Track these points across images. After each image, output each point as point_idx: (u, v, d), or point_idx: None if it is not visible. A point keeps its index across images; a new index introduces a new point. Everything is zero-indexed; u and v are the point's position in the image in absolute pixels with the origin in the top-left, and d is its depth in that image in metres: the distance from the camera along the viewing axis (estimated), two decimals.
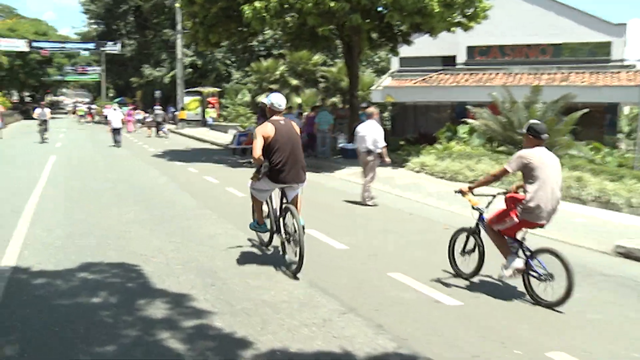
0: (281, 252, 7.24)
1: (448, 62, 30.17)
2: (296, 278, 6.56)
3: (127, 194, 12.57)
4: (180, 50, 43.17)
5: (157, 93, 51.37)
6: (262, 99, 38.53)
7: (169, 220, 9.68)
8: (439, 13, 17.53)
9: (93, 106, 59.63)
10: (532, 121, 6.47)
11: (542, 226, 6.16)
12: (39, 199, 11.50)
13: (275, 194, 7.49)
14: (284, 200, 7.29)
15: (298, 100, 35.91)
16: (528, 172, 5.99)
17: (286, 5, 18.22)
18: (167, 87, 51.84)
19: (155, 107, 39.36)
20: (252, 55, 47.13)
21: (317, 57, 40.08)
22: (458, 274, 6.82)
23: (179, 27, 40.29)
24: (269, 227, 7.52)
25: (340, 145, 21.18)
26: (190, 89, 47.44)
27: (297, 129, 7.43)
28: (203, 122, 44.59)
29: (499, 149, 18.27)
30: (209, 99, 45.91)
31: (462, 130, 21.26)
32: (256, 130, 7.24)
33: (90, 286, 6.12)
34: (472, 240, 6.70)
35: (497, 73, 27.40)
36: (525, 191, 6.06)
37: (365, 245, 8.33)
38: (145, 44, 57.64)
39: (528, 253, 6.13)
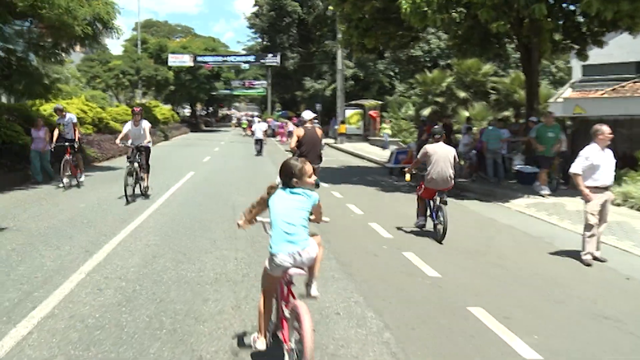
0: None
1: None
2: None
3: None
4: (340, 61, 41.12)
5: (318, 106, 49.94)
6: (426, 112, 36.16)
7: None
8: None
9: (255, 119, 59.79)
10: (434, 127, 11.39)
11: (441, 191, 9.57)
12: (126, 236, 9.13)
13: None
14: None
15: (466, 113, 32.23)
16: (427, 159, 9.73)
17: None
18: (329, 100, 50.14)
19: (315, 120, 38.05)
20: (417, 66, 43.91)
21: (488, 67, 36.20)
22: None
23: (339, 36, 38.20)
24: None
25: (517, 167, 17.42)
26: (351, 102, 45.30)
27: (319, 133, 12.01)
28: (364, 137, 42.15)
29: None
30: (370, 113, 43.36)
31: None
32: (293, 131, 12.60)
33: None
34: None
35: None
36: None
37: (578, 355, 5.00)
38: (309, 57, 56.61)
39: (434, 207, 9.81)
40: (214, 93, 76.60)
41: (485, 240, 9.53)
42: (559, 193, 14.81)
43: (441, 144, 9.82)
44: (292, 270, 4.27)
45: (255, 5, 60.68)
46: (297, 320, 4.05)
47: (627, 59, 25.56)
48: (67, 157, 15.09)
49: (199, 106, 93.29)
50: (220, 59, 57.03)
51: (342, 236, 9.56)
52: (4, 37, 16.85)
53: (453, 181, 9.76)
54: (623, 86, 24.39)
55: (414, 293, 6.46)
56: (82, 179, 15.85)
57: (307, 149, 11.42)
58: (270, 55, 53.67)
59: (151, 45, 59.53)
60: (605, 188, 8.28)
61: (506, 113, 31.89)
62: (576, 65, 27.52)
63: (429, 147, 9.81)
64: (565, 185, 15.70)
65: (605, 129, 8.26)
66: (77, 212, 11.29)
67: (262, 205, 4.57)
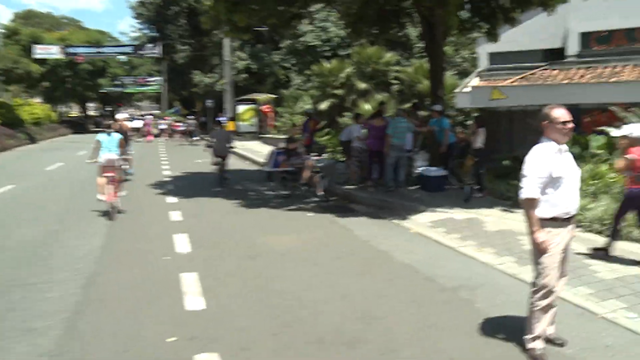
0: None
1: (553, 56, 22.96)
2: None
3: None
4: (227, 50, 37.04)
5: (209, 102, 45.90)
6: (324, 105, 32.70)
7: None
8: None
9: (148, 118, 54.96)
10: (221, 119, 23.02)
11: (222, 157, 16.04)
12: None
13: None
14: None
15: (367, 106, 28.88)
16: (215, 137, 16.21)
17: None
18: (221, 95, 45.94)
19: (188, 117, 41.25)
20: (316, 57, 40.37)
21: (389, 56, 33.22)
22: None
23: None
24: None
25: (419, 169, 13.79)
26: (243, 97, 41.27)
27: (125, 127, 17.73)
28: (258, 135, 38.25)
29: None
30: (262, 108, 39.48)
31: (595, 143, 13.77)
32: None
33: None
34: None
35: (625, 65, 20.13)
36: None
37: None
38: (201, 49, 52.15)
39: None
40: (103, 91, 70.41)
41: (368, 303, 5.69)
42: (473, 204, 11.30)
43: (221, 129, 17.35)
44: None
45: None
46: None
47: (535, 47, 23.04)
48: None
49: (91, 105, 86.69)
50: (94, 50, 51.22)
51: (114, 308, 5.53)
52: None
53: (229, 153, 16.36)
54: (533, 74, 21.88)
55: None
56: None
57: (215, 143, 16.40)
58: (150, 46, 48.57)
59: (23, 36, 53.25)
60: (569, 219, 4.66)
61: (409, 105, 28.81)
62: (483, 53, 24.93)
63: (217, 131, 17.00)
64: (481, 192, 12.27)
65: (563, 113, 4.64)
66: None
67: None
